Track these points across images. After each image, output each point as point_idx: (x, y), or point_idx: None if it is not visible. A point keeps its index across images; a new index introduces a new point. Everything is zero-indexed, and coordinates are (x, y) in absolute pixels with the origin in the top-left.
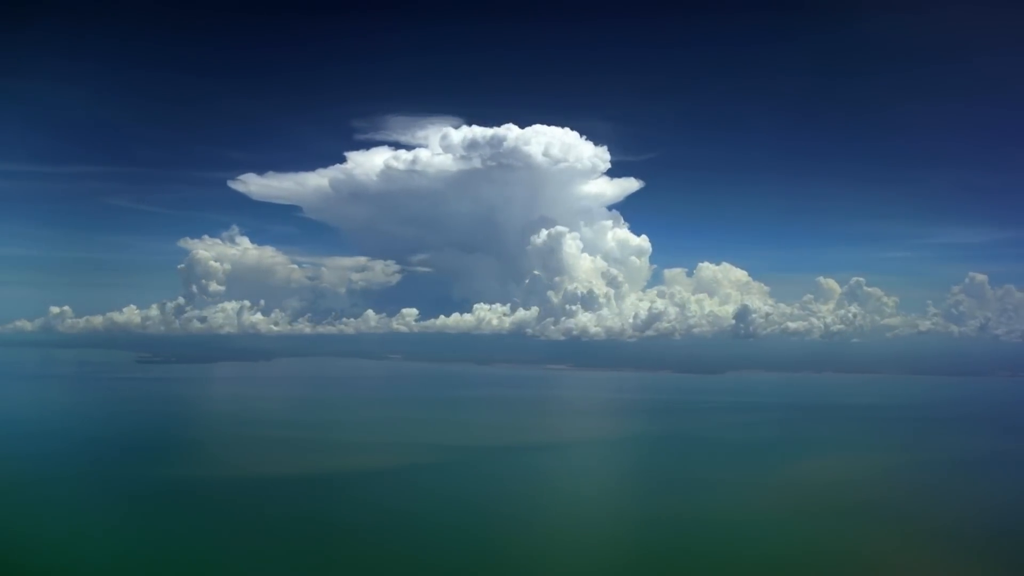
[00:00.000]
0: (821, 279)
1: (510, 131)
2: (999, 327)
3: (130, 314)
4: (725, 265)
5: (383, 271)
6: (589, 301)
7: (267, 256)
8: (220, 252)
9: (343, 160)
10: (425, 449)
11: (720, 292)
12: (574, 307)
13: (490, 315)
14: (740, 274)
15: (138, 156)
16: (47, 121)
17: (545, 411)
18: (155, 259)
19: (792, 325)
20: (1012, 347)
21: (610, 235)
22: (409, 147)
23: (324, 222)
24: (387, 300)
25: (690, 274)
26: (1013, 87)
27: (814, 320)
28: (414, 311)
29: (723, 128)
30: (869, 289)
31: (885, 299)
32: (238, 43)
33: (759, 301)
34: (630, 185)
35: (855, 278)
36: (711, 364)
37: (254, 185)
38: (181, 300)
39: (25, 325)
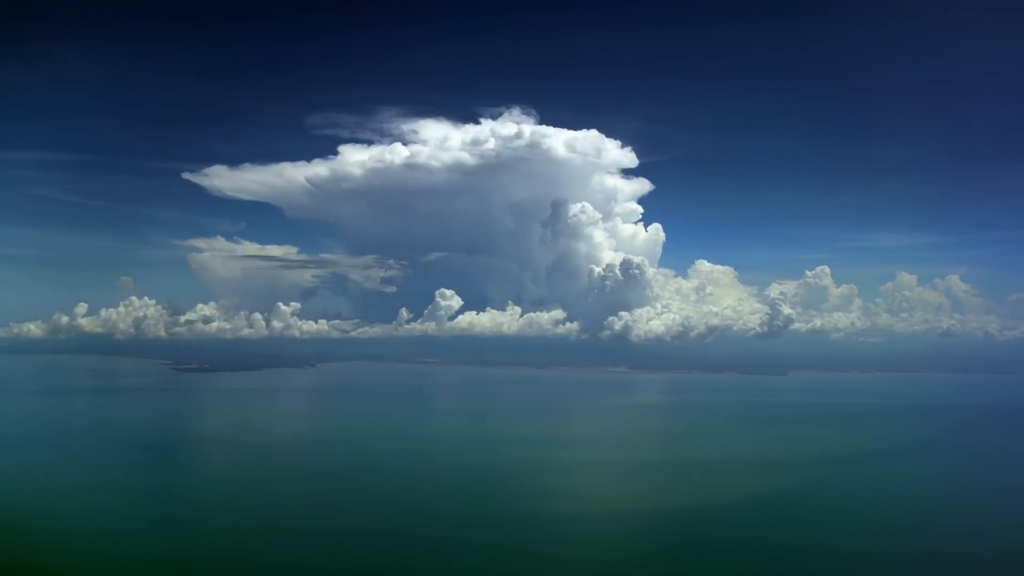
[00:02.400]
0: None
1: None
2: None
3: (117, 316)
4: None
5: (381, 271)
6: (629, 301)
7: (274, 255)
8: (227, 252)
9: (336, 154)
10: (772, 467)
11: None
12: (617, 309)
13: (507, 317)
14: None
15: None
16: None
17: (766, 418)
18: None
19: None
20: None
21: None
22: (406, 143)
23: (323, 220)
24: (394, 302)
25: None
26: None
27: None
28: (446, 311)
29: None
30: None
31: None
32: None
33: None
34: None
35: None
36: (769, 365)
37: (240, 181)
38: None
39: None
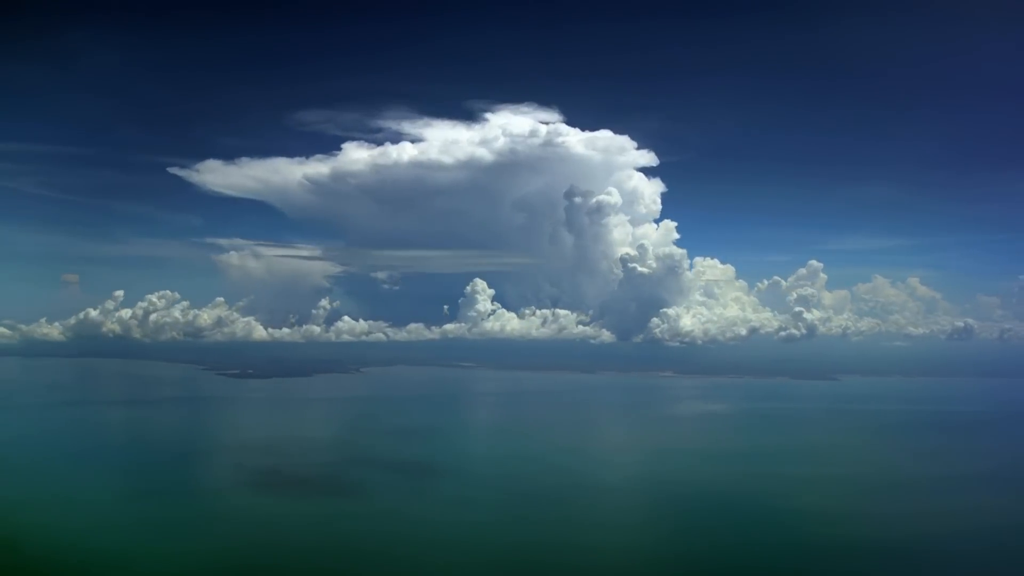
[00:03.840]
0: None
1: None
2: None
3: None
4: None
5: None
6: (666, 300)
7: (292, 255)
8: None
9: (339, 151)
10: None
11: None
12: (655, 309)
13: (534, 320)
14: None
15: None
16: None
17: (893, 425)
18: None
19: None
20: None
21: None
22: (414, 140)
23: (326, 219)
24: (411, 304)
25: None
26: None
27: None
28: (480, 313)
29: None
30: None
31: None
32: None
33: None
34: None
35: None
36: (811, 370)
37: (235, 177)
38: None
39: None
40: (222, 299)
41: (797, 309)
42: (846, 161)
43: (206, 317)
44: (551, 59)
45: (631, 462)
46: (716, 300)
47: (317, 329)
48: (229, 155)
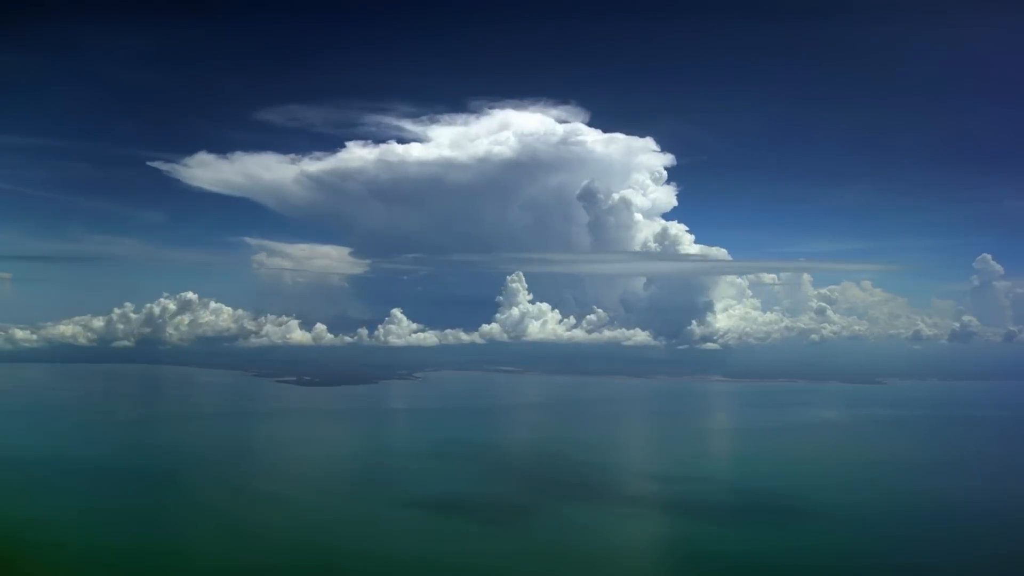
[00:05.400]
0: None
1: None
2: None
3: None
4: None
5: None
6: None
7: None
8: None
9: (342, 148)
10: None
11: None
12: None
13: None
14: None
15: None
16: None
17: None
18: None
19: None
20: None
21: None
22: (423, 139)
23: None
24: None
25: None
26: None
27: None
28: (519, 315)
29: None
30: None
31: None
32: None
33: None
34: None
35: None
36: (860, 373)
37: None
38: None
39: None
40: (254, 303)
41: (820, 305)
42: (820, 169)
43: (227, 319)
44: (563, 54)
45: (861, 477)
46: (743, 303)
47: (363, 332)
48: (223, 151)
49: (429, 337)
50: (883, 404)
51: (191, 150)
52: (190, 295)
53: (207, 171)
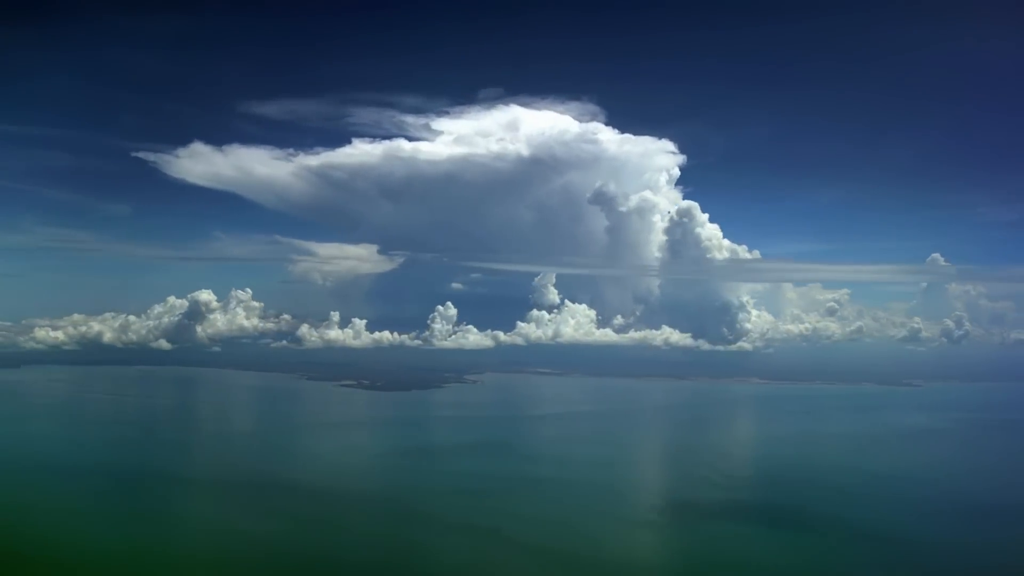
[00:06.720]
0: None
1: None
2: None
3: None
4: None
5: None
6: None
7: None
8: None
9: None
10: None
11: None
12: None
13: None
14: None
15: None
16: None
17: None
18: None
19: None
20: None
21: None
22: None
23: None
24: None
25: None
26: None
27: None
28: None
29: None
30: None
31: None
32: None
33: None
34: None
35: None
36: (888, 375)
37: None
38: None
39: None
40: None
41: (830, 304)
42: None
43: (246, 318)
44: (578, 51)
45: None
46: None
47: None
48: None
49: (481, 339)
50: (943, 408)
51: (185, 142)
52: (205, 295)
53: (202, 165)
